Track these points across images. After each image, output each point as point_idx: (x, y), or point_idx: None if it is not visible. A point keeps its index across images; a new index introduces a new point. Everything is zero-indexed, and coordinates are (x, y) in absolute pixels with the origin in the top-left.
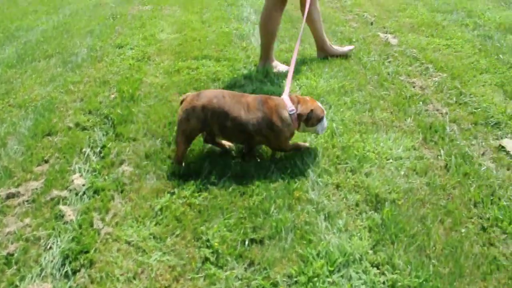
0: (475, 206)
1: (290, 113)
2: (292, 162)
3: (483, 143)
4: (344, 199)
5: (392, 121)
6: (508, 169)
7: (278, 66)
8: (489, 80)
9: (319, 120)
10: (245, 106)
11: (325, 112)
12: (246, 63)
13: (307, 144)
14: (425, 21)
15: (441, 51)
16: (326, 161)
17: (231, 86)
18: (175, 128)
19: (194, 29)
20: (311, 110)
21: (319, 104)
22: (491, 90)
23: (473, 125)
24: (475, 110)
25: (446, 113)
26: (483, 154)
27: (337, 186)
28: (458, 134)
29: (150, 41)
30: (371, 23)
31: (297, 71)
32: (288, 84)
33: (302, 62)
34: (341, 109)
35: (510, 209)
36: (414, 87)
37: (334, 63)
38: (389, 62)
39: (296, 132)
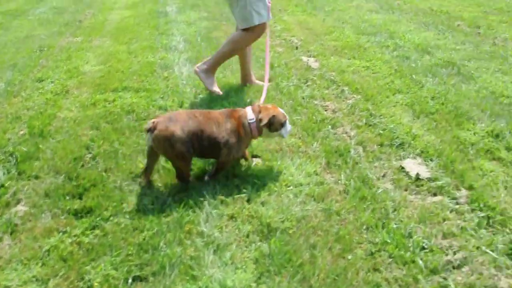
0: (367, 230)
1: (250, 121)
2: (189, 194)
3: (385, 165)
4: (237, 230)
5: (299, 146)
6: (405, 190)
7: (214, 85)
8: (401, 100)
9: (282, 124)
10: (215, 122)
11: (287, 117)
12: (165, 93)
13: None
14: (349, 44)
15: (360, 73)
16: (225, 191)
17: (146, 117)
18: (145, 155)
19: (120, 60)
20: (273, 116)
21: (281, 110)
22: (401, 110)
23: (379, 146)
24: (382, 131)
25: (354, 136)
26: (383, 176)
27: (231, 217)
28: (362, 156)
29: (73, 73)
30: (296, 48)
31: (215, 99)
32: (263, 95)
33: (222, 88)
34: None
35: (399, 232)
36: (326, 110)
37: (253, 89)
38: (307, 86)
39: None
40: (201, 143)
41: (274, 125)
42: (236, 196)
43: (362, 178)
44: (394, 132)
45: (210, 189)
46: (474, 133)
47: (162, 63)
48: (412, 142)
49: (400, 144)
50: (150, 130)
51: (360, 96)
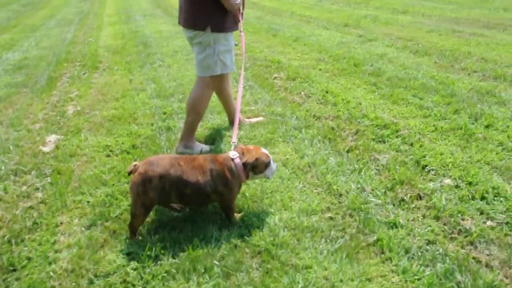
0: None
1: (237, 165)
2: None
3: None
4: None
5: None
6: None
7: (200, 146)
8: None
9: (266, 165)
10: (200, 170)
11: (270, 157)
12: None
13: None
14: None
15: None
16: None
17: None
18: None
19: None
20: (256, 158)
21: (264, 150)
22: None
23: None
24: None
25: None
26: None
27: None
28: None
29: None
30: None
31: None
32: (234, 135)
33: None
34: None
35: None
36: None
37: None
38: None
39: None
40: (182, 191)
41: (258, 167)
42: None
43: None
44: None
45: None
46: None
47: None
48: None
49: None
50: (132, 173)
51: None
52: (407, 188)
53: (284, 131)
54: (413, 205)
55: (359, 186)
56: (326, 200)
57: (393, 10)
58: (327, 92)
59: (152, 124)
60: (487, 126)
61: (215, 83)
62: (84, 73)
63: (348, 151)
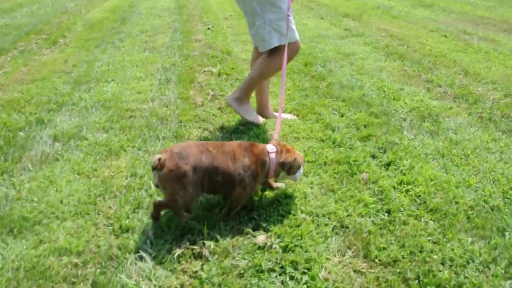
0: None
1: (271, 161)
2: None
3: None
4: None
5: None
6: None
7: (252, 112)
8: None
9: (298, 168)
10: (231, 155)
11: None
12: None
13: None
14: None
15: None
16: None
17: None
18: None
19: None
20: (294, 159)
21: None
22: None
23: None
24: None
25: None
26: None
27: None
28: None
29: None
30: None
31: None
32: (277, 131)
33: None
34: None
35: None
36: None
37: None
38: None
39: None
40: (214, 179)
41: (293, 169)
42: None
43: None
44: None
45: None
46: None
47: None
48: None
49: None
50: (157, 169)
51: None
52: None
53: None
54: None
55: None
56: None
57: (418, 2)
58: None
59: (30, 114)
60: (387, 164)
61: (283, 56)
62: (39, 48)
63: None
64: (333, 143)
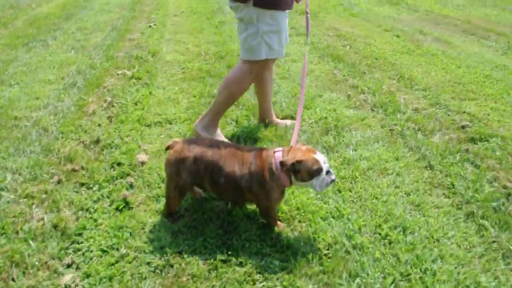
0: None
1: (278, 164)
2: None
3: None
4: None
5: None
6: None
7: (221, 137)
8: None
9: (311, 174)
10: (240, 160)
11: (322, 166)
12: None
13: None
14: None
15: None
16: None
17: None
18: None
19: None
20: (297, 161)
21: (318, 156)
22: None
23: None
24: None
25: None
26: None
27: None
28: None
29: None
30: None
31: None
32: (294, 136)
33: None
34: None
35: None
36: None
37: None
38: None
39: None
40: (216, 179)
41: (300, 173)
42: None
43: None
44: None
45: None
46: None
47: None
48: None
49: None
50: (169, 148)
51: None
52: None
53: None
54: None
55: None
56: None
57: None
58: None
59: None
60: None
61: (257, 68)
62: None
63: None
64: None
